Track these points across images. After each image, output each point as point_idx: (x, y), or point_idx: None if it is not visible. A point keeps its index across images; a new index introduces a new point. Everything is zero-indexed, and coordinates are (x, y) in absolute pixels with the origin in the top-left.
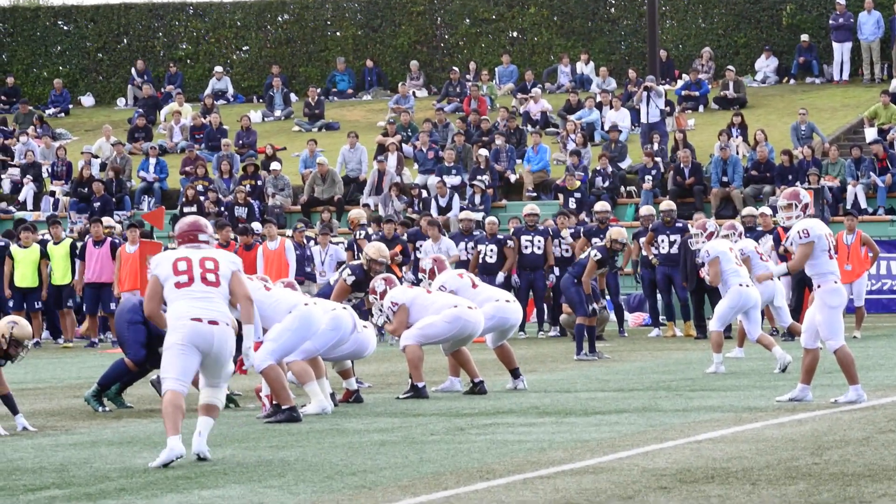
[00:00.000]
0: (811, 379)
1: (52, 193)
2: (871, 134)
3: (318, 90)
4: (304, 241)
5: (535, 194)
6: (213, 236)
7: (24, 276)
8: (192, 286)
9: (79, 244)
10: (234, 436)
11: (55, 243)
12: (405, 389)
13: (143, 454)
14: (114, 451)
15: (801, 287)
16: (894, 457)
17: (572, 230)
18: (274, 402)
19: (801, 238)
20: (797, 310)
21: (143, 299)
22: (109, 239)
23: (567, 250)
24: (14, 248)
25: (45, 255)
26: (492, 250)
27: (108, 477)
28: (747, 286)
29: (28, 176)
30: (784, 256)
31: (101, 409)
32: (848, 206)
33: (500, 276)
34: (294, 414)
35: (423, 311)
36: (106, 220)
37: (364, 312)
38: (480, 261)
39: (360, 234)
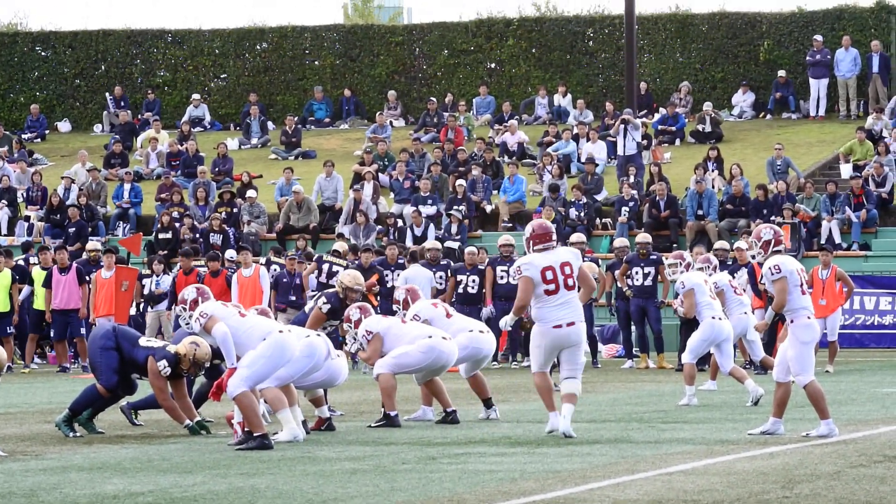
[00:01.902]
0: (783, 412)
1: (27, 218)
2: (846, 170)
3: (296, 119)
4: (295, 268)
5: (510, 225)
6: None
7: None
8: None
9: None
10: (205, 462)
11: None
12: (377, 418)
13: (114, 480)
14: (84, 477)
15: (774, 321)
16: (865, 491)
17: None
18: (246, 430)
19: (772, 275)
20: (770, 343)
21: (116, 325)
22: (76, 265)
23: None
24: None
25: (17, 280)
26: (473, 280)
27: (78, 503)
28: (720, 319)
29: (3, 201)
30: (759, 293)
31: (71, 434)
32: (822, 241)
33: (486, 311)
34: (265, 441)
35: (398, 341)
36: (91, 244)
37: (338, 340)
38: (461, 290)
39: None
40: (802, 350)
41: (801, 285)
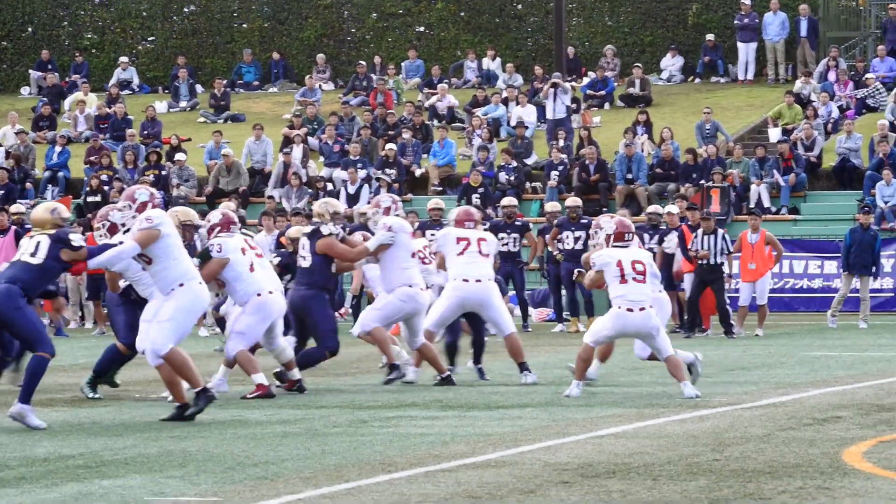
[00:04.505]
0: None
1: None
2: (774, 134)
3: (224, 82)
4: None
5: (440, 189)
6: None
7: None
8: None
9: None
10: (136, 426)
11: None
12: (388, 373)
13: (44, 443)
14: (14, 440)
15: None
16: (794, 454)
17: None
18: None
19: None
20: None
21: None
22: (14, 227)
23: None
24: None
25: None
26: None
27: (8, 465)
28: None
29: None
30: (690, 257)
31: (92, 395)
32: (751, 206)
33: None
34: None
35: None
36: (15, 206)
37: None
38: None
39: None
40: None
41: (623, 275)
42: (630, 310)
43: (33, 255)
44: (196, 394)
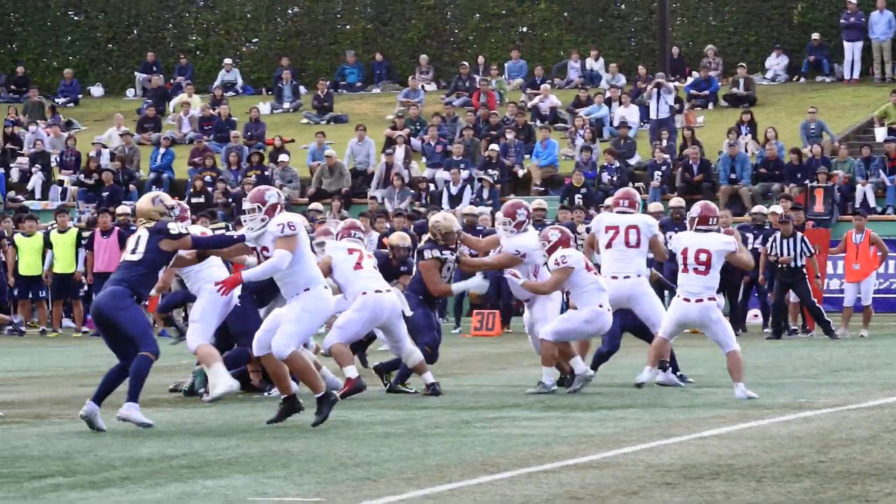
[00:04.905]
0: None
1: (61, 183)
2: (880, 133)
3: (328, 83)
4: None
5: (542, 189)
6: None
7: (28, 264)
8: None
9: (86, 234)
10: (239, 426)
11: (60, 232)
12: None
13: (148, 443)
14: (118, 440)
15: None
16: None
17: (588, 224)
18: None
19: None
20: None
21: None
22: (118, 229)
23: (580, 247)
24: (18, 236)
25: (48, 244)
26: None
27: (113, 465)
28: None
29: (37, 165)
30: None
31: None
32: (857, 206)
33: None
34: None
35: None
36: (120, 208)
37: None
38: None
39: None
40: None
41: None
42: (687, 300)
43: (134, 251)
44: (318, 400)
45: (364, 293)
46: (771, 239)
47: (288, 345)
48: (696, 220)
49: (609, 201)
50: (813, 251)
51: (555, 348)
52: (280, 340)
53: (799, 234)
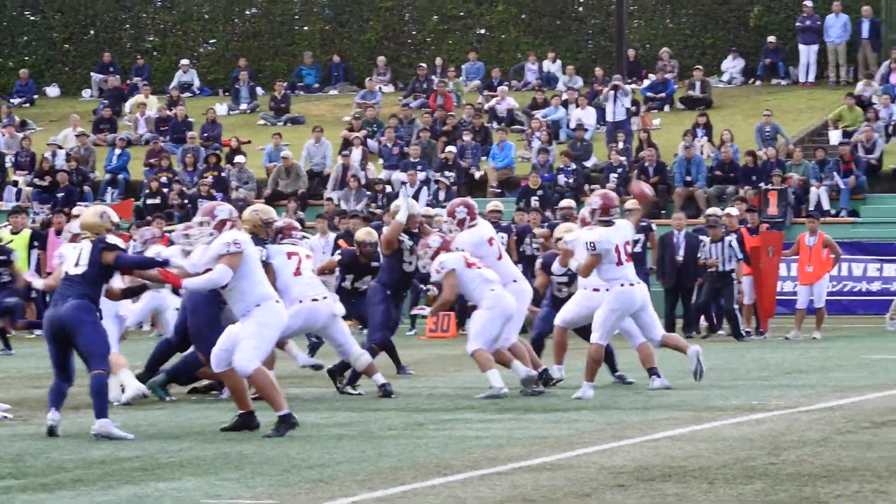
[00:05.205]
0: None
1: (15, 183)
2: (835, 136)
3: (285, 84)
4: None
5: (499, 191)
6: None
7: None
8: None
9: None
10: (192, 428)
11: (14, 233)
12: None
13: (101, 445)
14: (70, 443)
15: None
16: (851, 458)
17: (544, 225)
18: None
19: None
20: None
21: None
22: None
23: (538, 249)
24: None
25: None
26: None
27: (65, 468)
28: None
29: None
30: (748, 260)
31: (167, 398)
32: (811, 208)
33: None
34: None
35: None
36: (77, 209)
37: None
38: None
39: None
40: (609, 315)
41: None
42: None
43: (77, 264)
44: (279, 418)
45: (300, 301)
46: (701, 243)
47: (251, 360)
48: (598, 211)
49: (585, 212)
50: (740, 256)
51: (484, 353)
52: (242, 357)
53: (727, 239)
